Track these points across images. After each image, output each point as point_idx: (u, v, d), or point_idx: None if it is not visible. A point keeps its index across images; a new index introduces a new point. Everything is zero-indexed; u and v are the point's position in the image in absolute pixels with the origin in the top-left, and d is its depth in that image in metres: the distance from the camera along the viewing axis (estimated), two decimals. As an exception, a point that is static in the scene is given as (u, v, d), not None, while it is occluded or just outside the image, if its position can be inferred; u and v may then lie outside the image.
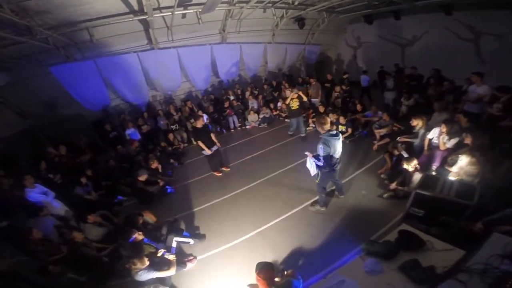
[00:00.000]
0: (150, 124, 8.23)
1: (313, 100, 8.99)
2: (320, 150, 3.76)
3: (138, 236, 3.64)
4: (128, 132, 7.61)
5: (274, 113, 9.67)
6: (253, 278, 2.94)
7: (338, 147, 3.85)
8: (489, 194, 3.32)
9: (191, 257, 3.93)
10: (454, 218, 3.10)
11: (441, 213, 3.17)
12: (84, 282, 3.37)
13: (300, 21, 9.56)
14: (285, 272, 2.96)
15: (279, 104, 9.72)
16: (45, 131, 7.49)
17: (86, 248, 3.72)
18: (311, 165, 4.05)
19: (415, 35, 10.56)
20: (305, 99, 7.37)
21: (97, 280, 3.46)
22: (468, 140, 4.02)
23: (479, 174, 3.68)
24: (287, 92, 9.90)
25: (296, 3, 8.22)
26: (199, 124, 5.80)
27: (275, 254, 3.77)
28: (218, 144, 6.07)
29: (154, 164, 6.19)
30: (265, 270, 2.68)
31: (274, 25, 10.26)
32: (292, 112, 7.24)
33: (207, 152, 5.85)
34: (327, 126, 3.76)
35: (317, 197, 4.50)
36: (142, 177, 5.47)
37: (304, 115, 7.89)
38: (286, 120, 9.24)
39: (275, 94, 10.41)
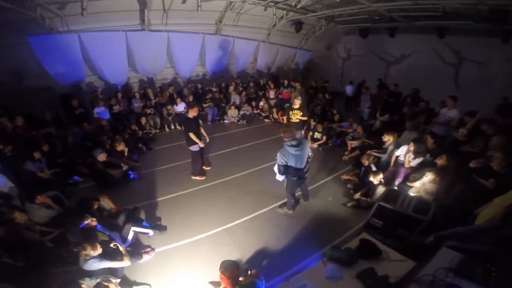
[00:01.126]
0: (123, 105, 7.83)
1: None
2: (278, 158, 3.76)
3: (91, 222, 3.34)
4: (97, 110, 7.19)
5: (255, 111, 9.65)
6: (215, 275, 2.85)
7: (300, 158, 3.74)
8: (441, 212, 3.53)
9: (149, 249, 3.71)
10: (408, 231, 3.26)
11: (398, 226, 3.32)
12: (21, 267, 2.99)
13: (297, 25, 9.67)
14: (249, 272, 2.91)
15: (261, 103, 9.74)
16: (3, 100, 6.78)
17: (27, 231, 3.35)
18: (276, 170, 4.08)
19: (403, 54, 11.07)
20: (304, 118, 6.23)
21: (37, 266, 3.11)
22: (441, 161, 4.22)
23: (437, 192, 3.93)
24: (271, 93, 10.00)
25: (298, 6, 8.28)
26: (191, 114, 5.14)
27: (240, 252, 3.71)
28: (206, 138, 5.57)
29: (120, 147, 5.84)
30: (231, 268, 2.61)
31: (271, 25, 10.28)
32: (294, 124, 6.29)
33: (200, 144, 5.23)
34: (289, 135, 3.70)
35: (286, 200, 4.51)
36: (100, 157, 5.12)
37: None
38: (266, 120, 9.31)
39: (260, 93, 10.40)
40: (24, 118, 5.99)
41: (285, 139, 3.72)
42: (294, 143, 3.66)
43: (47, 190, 4.19)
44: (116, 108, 7.60)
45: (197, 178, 5.56)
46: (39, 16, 6.02)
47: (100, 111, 7.21)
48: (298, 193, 4.64)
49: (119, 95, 7.95)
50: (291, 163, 3.72)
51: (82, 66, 7.54)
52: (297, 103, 5.99)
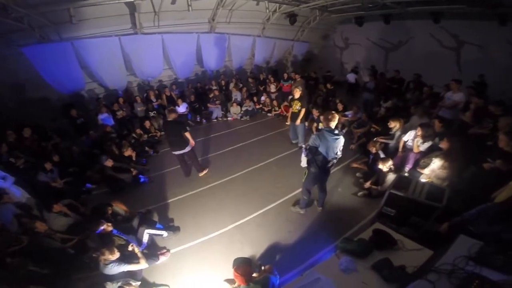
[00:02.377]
0: (126, 110, 7.85)
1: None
2: (311, 139, 3.64)
3: (107, 227, 3.43)
4: (100, 117, 7.21)
5: (257, 106, 9.60)
6: (229, 273, 2.89)
7: (332, 148, 3.60)
8: (455, 197, 3.47)
9: (164, 250, 3.79)
10: (423, 219, 3.23)
11: (412, 214, 3.29)
12: (46, 275, 3.10)
13: (291, 17, 9.50)
14: (263, 268, 2.96)
15: (262, 98, 9.69)
16: (9, 113, 6.86)
17: (49, 239, 3.47)
18: (303, 157, 3.91)
19: (400, 40, 10.89)
20: (303, 111, 6.11)
21: (62, 273, 3.21)
22: (443, 145, 4.18)
23: (449, 177, 3.87)
24: (272, 87, 9.94)
25: None
26: (171, 117, 5.07)
27: (252, 249, 3.74)
28: (192, 142, 5.24)
29: (128, 152, 5.91)
30: (243, 265, 2.65)
31: (265, 19, 10.13)
32: (292, 115, 6.30)
33: (191, 143, 5.19)
34: (332, 124, 3.56)
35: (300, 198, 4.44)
36: (108, 163, 5.20)
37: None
38: (269, 114, 9.28)
39: (261, 88, 10.34)
40: (31, 129, 6.06)
41: (325, 126, 3.63)
42: (334, 131, 3.58)
43: (62, 199, 4.31)
44: (120, 113, 7.61)
45: (204, 172, 5.71)
46: (28, 26, 5.96)
47: (104, 117, 7.24)
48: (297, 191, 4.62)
49: (121, 100, 7.94)
50: (322, 149, 3.59)
51: (80, 74, 7.52)
52: (297, 93, 5.98)
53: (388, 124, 5.29)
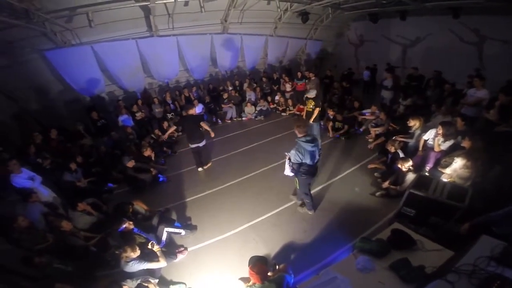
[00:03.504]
0: (145, 111, 8.08)
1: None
2: (292, 155, 3.66)
3: (129, 225, 3.57)
4: (121, 118, 7.46)
5: (271, 106, 9.61)
6: (245, 271, 2.92)
7: (315, 154, 3.63)
8: (479, 197, 3.36)
9: (182, 248, 3.89)
10: (443, 220, 3.14)
11: (432, 214, 3.20)
12: (71, 272, 3.25)
13: (304, 16, 9.39)
14: (277, 267, 2.98)
15: (276, 97, 9.69)
16: (36, 115, 7.27)
17: (73, 237, 3.62)
18: (287, 166, 3.95)
19: (418, 37, 10.54)
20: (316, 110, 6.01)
21: (85, 270, 3.37)
22: (466, 144, 4.04)
23: (471, 177, 3.73)
24: (287, 86, 9.90)
25: None
26: (190, 112, 5.64)
27: (267, 248, 3.78)
28: (211, 133, 5.84)
29: (147, 152, 6.09)
30: (259, 264, 2.68)
31: (277, 18, 10.11)
32: (307, 113, 6.24)
33: (211, 134, 5.81)
34: (304, 130, 3.58)
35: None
36: (130, 163, 5.39)
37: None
38: (283, 113, 9.25)
39: (274, 88, 10.35)
40: (57, 130, 6.39)
41: (299, 135, 3.62)
42: (309, 138, 3.56)
43: (86, 198, 4.50)
44: (139, 115, 7.84)
45: (208, 165, 6.14)
46: (49, 30, 6.25)
47: (124, 118, 7.48)
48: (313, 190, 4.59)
49: (139, 102, 8.19)
50: (307, 160, 3.62)
51: (100, 76, 7.81)
52: (311, 93, 5.96)
53: (408, 122, 5.16)
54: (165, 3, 6.97)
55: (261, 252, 3.54)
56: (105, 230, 3.87)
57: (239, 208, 4.68)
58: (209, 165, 6.14)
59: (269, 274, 2.84)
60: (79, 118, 7.72)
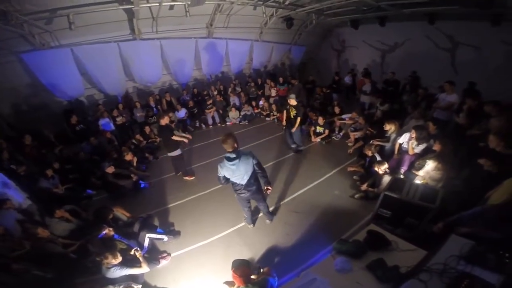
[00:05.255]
0: (126, 116, 7.91)
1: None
2: (219, 168, 3.51)
3: (109, 232, 3.52)
4: (101, 122, 7.28)
5: (256, 110, 9.68)
6: (229, 275, 2.92)
7: (235, 172, 3.40)
8: (452, 197, 3.55)
9: (165, 254, 3.86)
10: (417, 220, 3.28)
11: (407, 215, 3.34)
12: (50, 279, 3.19)
13: (288, 21, 9.58)
14: (261, 270, 3.01)
15: (260, 102, 9.77)
16: (8, 119, 6.94)
17: (51, 244, 3.54)
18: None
19: (396, 42, 10.92)
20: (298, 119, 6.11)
21: (65, 277, 3.29)
22: (436, 147, 4.26)
23: (443, 179, 3.93)
24: (272, 91, 9.98)
25: (287, 2, 8.24)
26: (163, 122, 5.32)
27: (251, 251, 3.81)
28: (187, 137, 5.74)
29: (128, 157, 5.99)
30: (242, 267, 2.71)
31: (262, 23, 10.22)
32: (290, 120, 6.29)
33: (186, 142, 5.59)
34: (226, 147, 3.33)
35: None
36: (109, 169, 5.29)
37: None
38: (267, 118, 9.34)
39: (259, 93, 10.42)
40: (32, 136, 6.13)
41: (226, 150, 3.37)
42: (230, 155, 3.33)
43: (63, 204, 4.39)
44: (120, 119, 7.67)
45: (188, 178, 5.85)
46: (28, 32, 6.06)
47: (104, 122, 7.31)
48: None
49: (120, 106, 8.02)
50: (228, 175, 3.46)
51: (79, 80, 7.58)
52: (293, 101, 6.02)
53: (384, 126, 5.36)
54: (149, 7, 6.89)
55: (245, 256, 3.56)
56: (84, 236, 3.79)
57: (223, 213, 4.68)
58: (187, 178, 5.89)
59: (253, 277, 2.87)
60: (56, 122, 7.46)
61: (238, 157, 3.32)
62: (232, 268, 2.73)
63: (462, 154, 4.60)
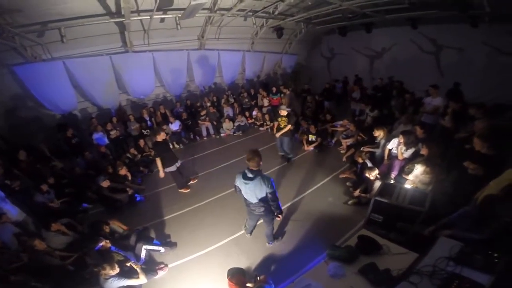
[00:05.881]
0: (120, 129, 7.89)
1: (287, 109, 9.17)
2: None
3: (105, 244, 3.57)
4: (95, 136, 7.26)
5: (249, 121, 9.74)
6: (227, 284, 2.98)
7: (249, 192, 3.36)
8: (442, 200, 3.65)
9: (162, 265, 3.89)
10: (409, 224, 3.34)
11: (398, 219, 3.42)
12: (49, 291, 3.22)
13: (278, 31, 9.87)
14: (258, 278, 3.06)
15: (254, 112, 9.85)
16: (2, 133, 6.90)
17: (49, 257, 3.58)
18: None
19: (384, 48, 11.29)
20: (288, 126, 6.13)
21: (63, 289, 3.32)
22: (423, 151, 4.38)
23: (432, 182, 4.02)
24: (265, 101, 10.09)
25: (276, 13, 8.49)
26: (159, 138, 5.21)
27: (249, 260, 3.85)
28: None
29: (123, 171, 5.99)
30: (237, 275, 2.76)
31: (253, 34, 10.47)
32: (277, 129, 6.36)
33: (161, 174, 5.40)
34: (251, 165, 3.25)
35: None
36: (104, 183, 5.31)
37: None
38: (261, 128, 9.40)
39: (252, 103, 10.52)
40: (26, 151, 6.10)
41: (249, 166, 3.33)
42: (247, 173, 3.29)
43: (59, 218, 4.41)
44: (114, 133, 7.64)
45: (183, 190, 5.82)
46: (19, 45, 6.10)
47: (98, 137, 7.28)
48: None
49: (114, 119, 7.99)
50: (242, 190, 3.45)
51: (72, 93, 7.59)
52: (283, 112, 6.12)
53: (373, 133, 5.49)
54: (140, 20, 7.02)
55: (243, 265, 3.59)
56: (81, 249, 3.83)
57: (220, 223, 4.72)
58: (182, 190, 5.86)
59: (249, 285, 2.92)
60: (49, 136, 7.43)
61: (254, 178, 3.23)
62: (227, 277, 2.78)
63: (450, 157, 4.73)
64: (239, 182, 3.38)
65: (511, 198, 3.03)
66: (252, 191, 3.31)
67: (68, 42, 6.41)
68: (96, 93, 8.04)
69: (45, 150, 6.74)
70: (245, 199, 3.52)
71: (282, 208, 4.71)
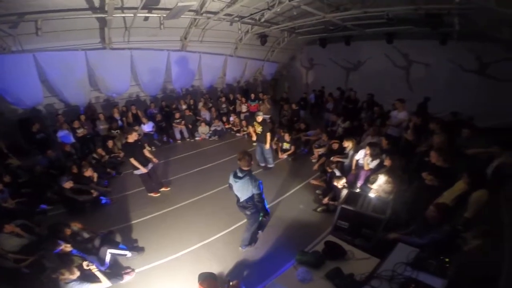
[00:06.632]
0: (87, 128, 7.50)
1: (264, 116, 9.30)
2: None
3: (65, 247, 3.39)
4: (59, 134, 6.86)
5: (226, 126, 9.72)
6: (199, 290, 2.95)
7: (239, 190, 3.62)
8: (404, 208, 3.94)
9: (129, 270, 3.75)
10: (372, 230, 3.54)
11: (363, 226, 3.61)
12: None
13: (262, 38, 10.04)
14: (231, 283, 3.05)
15: (231, 118, 9.86)
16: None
17: (1, 259, 3.39)
18: None
19: (360, 60, 11.86)
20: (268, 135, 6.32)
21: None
22: (387, 162, 4.70)
23: (394, 191, 4.31)
24: (243, 107, 10.14)
25: (262, 20, 8.64)
26: (130, 139, 5.09)
27: (221, 265, 3.83)
28: (154, 160, 5.57)
29: (88, 172, 5.69)
30: (208, 279, 2.74)
31: (238, 39, 10.54)
32: (258, 136, 6.48)
33: (142, 170, 5.24)
34: (242, 164, 3.52)
35: None
36: (67, 185, 5.04)
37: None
38: (237, 134, 9.43)
39: (231, 108, 10.53)
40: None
41: (240, 166, 3.58)
42: (238, 173, 3.56)
43: (14, 219, 4.13)
44: (81, 131, 7.25)
45: (153, 195, 5.67)
46: None
47: (63, 134, 6.90)
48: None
49: (82, 117, 7.59)
50: (234, 188, 3.69)
51: (39, 88, 7.09)
52: (259, 118, 6.28)
53: (343, 143, 5.74)
54: (123, 17, 6.82)
55: (214, 270, 3.53)
56: (38, 251, 3.63)
57: (191, 228, 4.65)
58: (152, 194, 5.70)
59: (221, 290, 2.92)
60: (8, 132, 6.86)
61: (243, 177, 3.50)
62: (198, 281, 2.75)
63: (412, 169, 5.10)
64: (231, 180, 3.66)
65: (461, 207, 3.40)
66: (239, 190, 3.61)
67: (43, 35, 6.09)
68: (66, 89, 7.59)
69: (1, 146, 6.20)
70: (236, 196, 3.75)
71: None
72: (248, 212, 3.76)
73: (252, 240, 4.18)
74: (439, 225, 2.98)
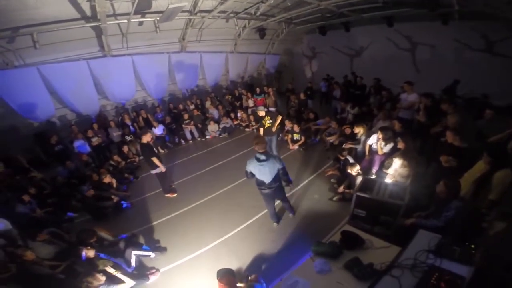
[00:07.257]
0: (101, 136, 7.68)
1: (270, 109, 9.19)
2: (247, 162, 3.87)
3: (87, 251, 3.52)
4: (76, 144, 7.06)
5: (235, 122, 9.73)
6: (219, 286, 3.02)
7: (263, 173, 3.77)
8: (423, 192, 3.82)
9: (154, 270, 3.88)
10: (391, 217, 3.44)
11: (381, 213, 3.52)
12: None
13: (261, 31, 9.92)
14: (249, 278, 3.11)
15: (238, 114, 9.85)
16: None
17: (37, 266, 3.52)
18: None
19: (362, 46, 11.58)
20: (278, 119, 6.34)
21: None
22: (400, 145, 4.59)
23: (411, 175, 4.20)
24: (249, 102, 10.13)
25: (257, 14, 8.52)
26: (145, 140, 5.24)
27: (239, 261, 3.90)
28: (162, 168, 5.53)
29: (107, 179, 5.89)
30: (226, 276, 2.80)
31: (236, 35, 10.48)
32: (265, 130, 6.34)
33: (162, 169, 5.38)
34: (258, 148, 3.68)
35: None
36: (89, 193, 5.25)
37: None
38: (247, 129, 9.41)
39: (237, 104, 10.51)
40: (4, 163, 5.89)
41: (259, 151, 3.73)
42: (260, 156, 3.69)
43: (44, 228, 4.31)
44: (95, 140, 7.43)
45: (170, 195, 5.81)
46: None
47: (79, 144, 7.10)
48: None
49: (95, 126, 7.77)
50: (256, 173, 3.83)
51: (49, 100, 7.30)
52: (261, 113, 6.24)
53: (353, 130, 5.65)
54: (118, 23, 6.86)
55: (233, 266, 3.63)
56: (70, 257, 3.79)
57: (208, 225, 4.74)
58: (169, 195, 5.84)
59: (240, 285, 2.98)
60: (26, 146, 7.13)
61: (267, 159, 3.68)
62: (217, 278, 2.81)
63: (428, 150, 4.95)
64: (253, 166, 3.78)
65: (483, 189, 3.27)
66: (267, 171, 3.75)
67: (41, 48, 6.19)
68: (74, 99, 7.77)
69: (23, 161, 6.49)
70: (258, 181, 3.91)
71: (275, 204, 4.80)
72: (274, 189, 3.94)
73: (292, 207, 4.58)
74: (449, 201, 2.89)
